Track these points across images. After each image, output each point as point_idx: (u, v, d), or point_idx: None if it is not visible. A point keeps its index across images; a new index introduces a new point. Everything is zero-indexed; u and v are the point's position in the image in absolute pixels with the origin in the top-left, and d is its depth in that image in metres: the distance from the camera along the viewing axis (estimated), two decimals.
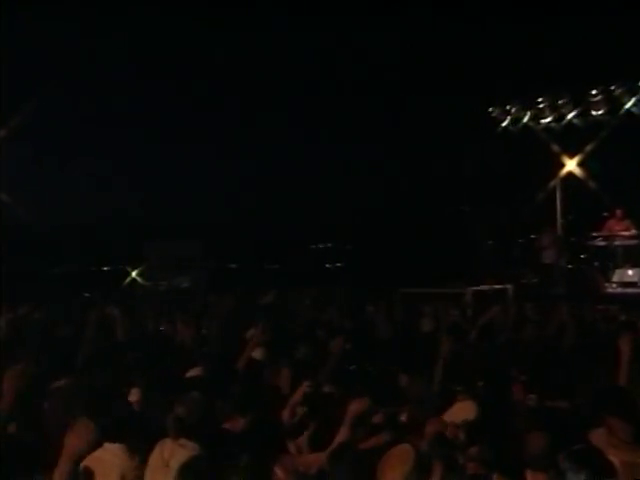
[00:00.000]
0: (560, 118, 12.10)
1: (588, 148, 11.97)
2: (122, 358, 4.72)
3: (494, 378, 3.57)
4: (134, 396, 3.75)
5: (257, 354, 4.62)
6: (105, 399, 3.38)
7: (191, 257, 12.83)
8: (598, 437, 2.62)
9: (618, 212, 10.68)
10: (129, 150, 15.14)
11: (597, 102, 11.33)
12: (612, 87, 11.04)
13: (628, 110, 11.11)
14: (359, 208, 14.96)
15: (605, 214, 11.08)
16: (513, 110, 12.36)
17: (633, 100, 10.95)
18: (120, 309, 5.76)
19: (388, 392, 3.54)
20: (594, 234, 10.93)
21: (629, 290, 10.03)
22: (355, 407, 2.91)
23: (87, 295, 8.92)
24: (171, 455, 2.97)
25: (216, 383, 3.80)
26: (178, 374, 4.32)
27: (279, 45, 13.91)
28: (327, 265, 11.80)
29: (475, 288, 9.72)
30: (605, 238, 10.71)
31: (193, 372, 4.30)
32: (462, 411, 3.15)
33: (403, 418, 3.12)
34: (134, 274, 9.40)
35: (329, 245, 13.47)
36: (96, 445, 2.76)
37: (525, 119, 12.34)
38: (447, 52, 12.83)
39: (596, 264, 10.77)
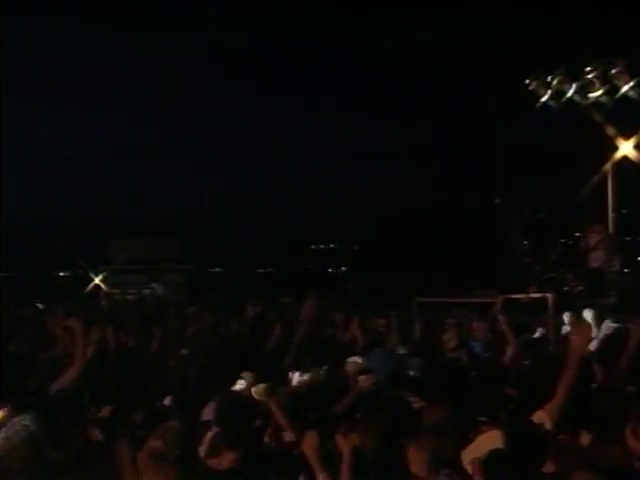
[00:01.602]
0: (613, 90, 12.08)
1: None
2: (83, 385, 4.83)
3: (525, 406, 3.66)
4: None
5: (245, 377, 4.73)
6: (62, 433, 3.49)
7: (167, 259, 12.91)
8: None
9: None
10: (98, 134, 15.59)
11: None
12: None
13: None
14: (367, 203, 15.08)
15: None
16: (555, 82, 12.36)
17: None
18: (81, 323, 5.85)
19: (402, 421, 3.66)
20: None
21: None
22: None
23: (39, 305, 9.00)
24: None
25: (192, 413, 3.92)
26: (152, 401, 4.44)
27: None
28: (330, 269, 11.92)
29: (507, 297, 9.81)
30: None
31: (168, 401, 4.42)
32: (488, 443, 3.26)
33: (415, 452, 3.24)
34: (97, 280, 9.48)
35: (332, 246, 13.57)
36: None
37: (570, 92, 12.35)
38: (474, 13, 12.92)
39: None
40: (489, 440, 3.29)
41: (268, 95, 16.13)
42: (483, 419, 3.53)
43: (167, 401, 4.37)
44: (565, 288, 11.23)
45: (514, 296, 10.09)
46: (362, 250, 13.70)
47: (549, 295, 9.92)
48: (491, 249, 12.63)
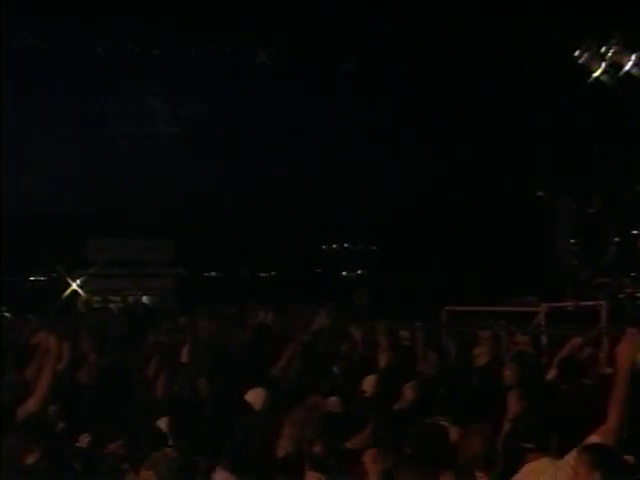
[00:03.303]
0: None
1: None
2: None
3: (576, 432, 3.70)
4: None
5: (252, 398, 4.78)
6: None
7: (154, 262, 13.02)
8: None
9: None
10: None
11: None
12: None
13: None
14: (386, 196, 15.09)
15: None
16: (610, 53, 12.31)
17: None
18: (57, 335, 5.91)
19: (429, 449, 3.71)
20: None
21: None
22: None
23: (6, 315, 9.11)
24: None
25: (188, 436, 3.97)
26: (143, 425, 4.49)
27: None
28: (343, 273, 11.95)
29: (553, 305, 9.82)
30: None
31: (162, 423, 4.47)
32: (534, 474, 3.29)
33: None
34: (75, 285, 9.56)
35: (345, 246, 13.62)
36: None
37: (627, 66, 12.29)
38: None
39: None
40: (536, 470, 3.32)
41: (272, 78, 16.25)
42: (529, 446, 3.53)
43: (162, 424, 4.42)
44: (620, 295, 11.21)
45: (560, 304, 10.10)
46: (381, 251, 13.72)
47: (602, 303, 9.91)
48: (533, 250, 12.62)
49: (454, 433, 4.04)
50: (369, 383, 5.44)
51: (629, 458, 3.63)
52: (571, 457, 3.26)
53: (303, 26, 14.93)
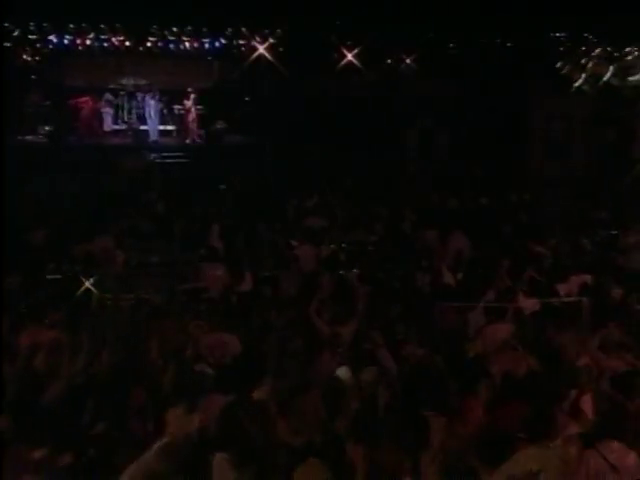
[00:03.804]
0: None
1: None
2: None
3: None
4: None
5: (260, 394, 4.90)
6: None
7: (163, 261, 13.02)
8: None
9: None
10: None
11: None
12: None
13: None
14: (385, 196, 15.12)
15: None
16: (590, 64, 12.38)
17: None
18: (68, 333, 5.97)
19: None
20: None
21: None
22: None
23: (23, 311, 9.17)
24: None
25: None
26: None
27: None
28: (341, 272, 12.03)
29: (540, 301, 9.91)
30: None
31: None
32: (523, 461, 3.39)
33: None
34: (88, 284, 9.63)
35: (343, 246, 13.66)
36: None
37: (607, 75, 12.38)
38: None
39: None
40: (525, 458, 3.41)
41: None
42: (521, 435, 3.62)
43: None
44: (602, 292, 11.27)
45: (546, 301, 10.18)
46: (376, 250, 13.77)
47: (584, 299, 10.03)
48: (519, 247, 12.70)
49: (439, 423, 4.15)
50: (368, 374, 5.58)
51: (615, 445, 3.75)
52: (557, 445, 3.35)
53: (300, 20, 14.91)
